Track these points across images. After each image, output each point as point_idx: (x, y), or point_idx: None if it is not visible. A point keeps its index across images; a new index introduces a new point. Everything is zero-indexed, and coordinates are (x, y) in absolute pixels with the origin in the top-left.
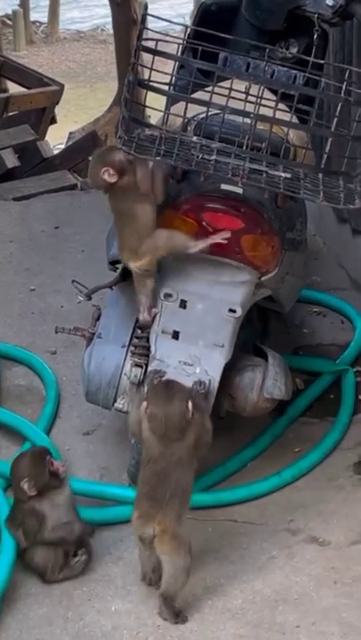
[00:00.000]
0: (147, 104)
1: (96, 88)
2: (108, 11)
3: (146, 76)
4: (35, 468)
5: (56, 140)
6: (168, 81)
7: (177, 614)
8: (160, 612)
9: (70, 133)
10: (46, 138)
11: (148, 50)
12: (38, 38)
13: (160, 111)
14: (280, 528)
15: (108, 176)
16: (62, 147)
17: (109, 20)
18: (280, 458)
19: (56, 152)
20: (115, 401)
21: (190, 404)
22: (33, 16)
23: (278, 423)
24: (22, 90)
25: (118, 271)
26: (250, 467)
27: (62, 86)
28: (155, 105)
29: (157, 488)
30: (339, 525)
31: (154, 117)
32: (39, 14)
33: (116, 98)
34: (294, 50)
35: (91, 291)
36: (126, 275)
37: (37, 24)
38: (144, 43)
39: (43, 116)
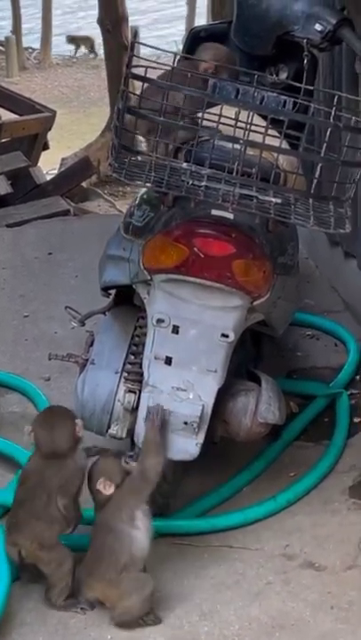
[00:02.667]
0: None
1: (89, 113)
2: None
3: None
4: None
5: (49, 165)
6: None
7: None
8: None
9: (63, 159)
10: (39, 164)
11: (137, 77)
12: (31, 64)
13: (151, 139)
14: (276, 553)
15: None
16: (55, 172)
17: (102, 45)
18: (275, 482)
19: (49, 178)
20: (109, 427)
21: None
22: (25, 42)
23: (273, 447)
24: (14, 117)
25: (111, 297)
26: (245, 492)
27: (54, 113)
28: None
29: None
30: (335, 550)
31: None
32: (32, 40)
33: (108, 123)
34: (284, 75)
35: (84, 317)
36: (119, 300)
37: (30, 50)
38: (134, 70)
39: (35, 143)
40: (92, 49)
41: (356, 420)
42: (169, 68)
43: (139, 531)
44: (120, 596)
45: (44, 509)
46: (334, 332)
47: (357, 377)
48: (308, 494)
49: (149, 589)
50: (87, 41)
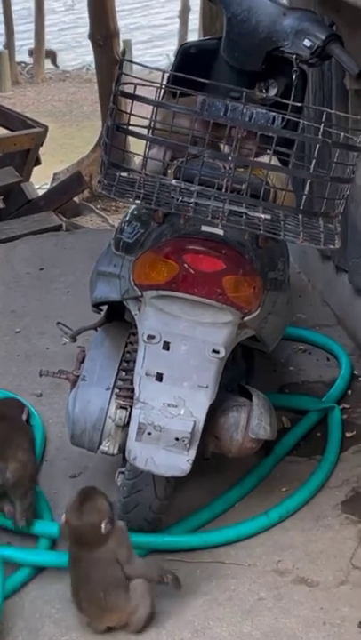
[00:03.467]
0: (129, 147)
1: (82, 127)
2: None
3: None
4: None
5: (41, 180)
6: (147, 125)
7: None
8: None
9: (55, 174)
10: (31, 179)
11: (126, 95)
12: (24, 79)
13: (140, 155)
14: (268, 569)
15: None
16: (47, 187)
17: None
18: (267, 498)
19: (41, 192)
20: (100, 444)
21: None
22: (18, 57)
23: (265, 463)
24: (6, 132)
25: (103, 313)
26: (237, 507)
27: (46, 128)
28: (137, 147)
29: (92, 591)
30: (327, 565)
31: (137, 158)
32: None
33: (99, 138)
34: (274, 90)
35: (76, 332)
36: (111, 316)
37: (23, 65)
38: (122, 87)
39: (27, 158)
40: (54, 62)
41: (348, 434)
42: (158, 85)
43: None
44: (133, 613)
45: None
46: (326, 346)
47: (349, 391)
48: (301, 510)
49: (152, 591)
50: (50, 54)
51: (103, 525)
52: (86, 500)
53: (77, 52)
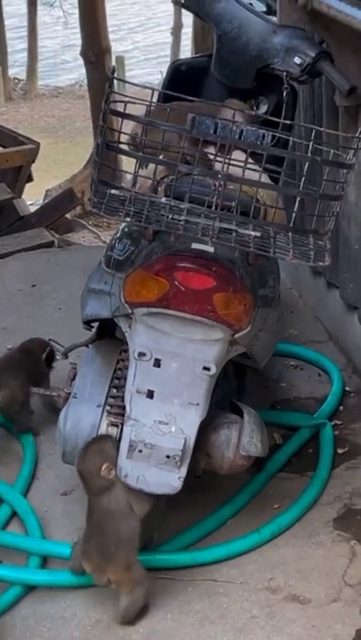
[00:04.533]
0: (119, 164)
1: (75, 143)
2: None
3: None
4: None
5: (34, 196)
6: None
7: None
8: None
9: (47, 191)
10: (23, 195)
11: (115, 113)
12: (17, 95)
13: (131, 174)
14: (260, 587)
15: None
16: (40, 203)
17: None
18: (259, 515)
19: (33, 209)
20: None
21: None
22: (11, 73)
23: (256, 480)
24: None
25: (94, 330)
26: (228, 525)
27: (38, 145)
28: (130, 163)
29: (103, 541)
30: (319, 583)
31: (129, 175)
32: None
33: (91, 156)
34: (264, 107)
35: (67, 349)
36: (102, 333)
37: (16, 81)
38: (112, 105)
39: (19, 175)
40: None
41: (340, 451)
42: (148, 103)
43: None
44: (133, 581)
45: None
46: (318, 362)
47: (341, 407)
48: (293, 527)
49: (147, 583)
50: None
51: (103, 468)
52: (92, 444)
53: (70, 69)
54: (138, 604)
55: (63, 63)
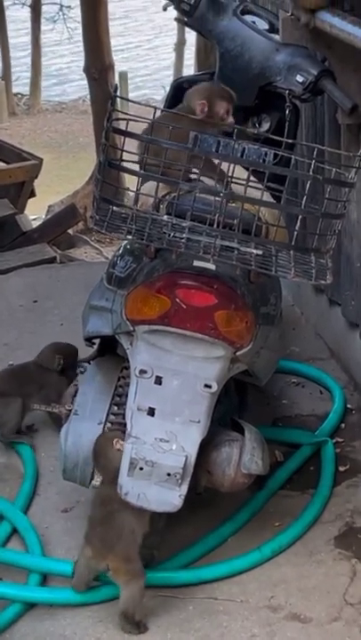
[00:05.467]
0: (122, 182)
1: (78, 158)
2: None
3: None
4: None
5: (36, 212)
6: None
7: (138, 625)
8: (122, 627)
9: (49, 206)
10: (26, 210)
11: (117, 131)
12: (20, 110)
13: (133, 191)
14: (261, 605)
15: (200, 110)
16: (42, 218)
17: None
18: (260, 532)
19: (36, 224)
20: (92, 478)
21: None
22: (15, 88)
23: (258, 497)
24: (1, 165)
25: (95, 346)
26: (229, 542)
27: (41, 161)
28: (131, 182)
29: (108, 530)
30: (320, 601)
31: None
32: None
33: (93, 171)
34: (266, 125)
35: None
36: (103, 350)
37: (19, 96)
38: (114, 123)
39: (21, 190)
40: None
41: (341, 468)
42: (150, 121)
43: None
44: (130, 573)
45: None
46: (320, 379)
47: (343, 425)
48: (294, 545)
49: (144, 580)
50: None
51: (115, 441)
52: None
53: (74, 84)
54: (136, 600)
55: (67, 79)
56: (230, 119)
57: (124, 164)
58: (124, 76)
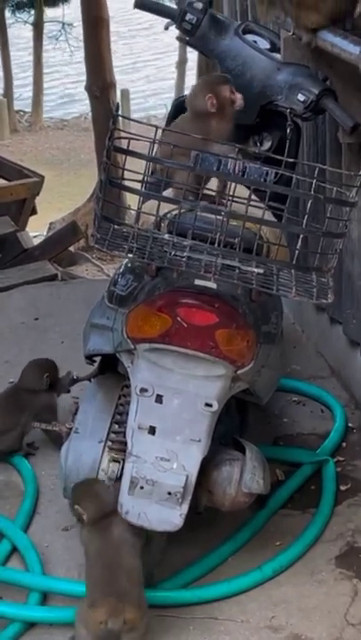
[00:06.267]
0: (124, 200)
1: (80, 175)
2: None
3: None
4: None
5: (38, 228)
6: (140, 179)
7: None
8: None
9: (51, 224)
10: (27, 228)
11: (119, 150)
12: (22, 127)
13: (134, 210)
14: (262, 625)
15: (211, 105)
16: (43, 235)
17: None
18: (261, 552)
19: (37, 241)
20: None
21: None
22: (17, 106)
23: (258, 516)
24: (2, 182)
25: (96, 364)
26: (230, 562)
27: (42, 178)
28: (132, 200)
29: (115, 578)
30: (321, 622)
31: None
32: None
33: (94, 190)
34: (268, 143)
35: (70, 383)
36: (104, 368)
37: (21, 113)
38: (115, 142)
39: (23, 208)
40: None
41: (342, 487)
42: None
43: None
44: (142, 616)
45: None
46: (321, 397)
47: (344, 444)
48: (295, 564)
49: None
50: None
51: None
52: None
53: (76, 102)
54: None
55: (72, 98)
56: (238, 95)
57: (126, 183)
58: (125, 94)
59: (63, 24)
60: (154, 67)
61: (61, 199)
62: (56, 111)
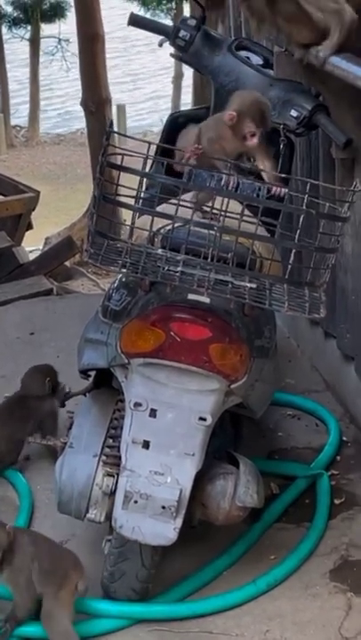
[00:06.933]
0: (118, 215)
1: (76, 189)
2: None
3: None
4: None
5: (34, 243)
6: (134, 195)
7: None
8: None
9: (47, 238)
10: (23, 242)
11: (113, 166)
12: (19, 142)
13: (128, 225)
14: (256, 639)
15: (229, 119)
16: (39, 250)
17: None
18: (255, 565)
19: (33, 255)
20: (87, 511)
21: None
22: (14, 121)
23: (253, 530)
24: None
25: (91, 379)
26: (224, 576)
27: (38, 193)
28: (127, 215)
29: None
30: (315, 635)
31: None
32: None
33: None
34: None
35: (65, 398)
36: (99, 382)
37: (18, 128)
38: (109, 158)
39: (19, 223)
40: None
41: (336, 501)
42: (144, 156)
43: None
44: None
45: None
46: (315, 411)
47: (338, 458)
48: (289, 578)
49: None
50: None
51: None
52: None
53: (72, 117)
54: None
55: (68, 113)
56: (252, 142)
57: (120, 198)
58: (121, 108)
59: (59, 40)
60: (156, 83)
61: (58, 214)
62: (55, 129)
